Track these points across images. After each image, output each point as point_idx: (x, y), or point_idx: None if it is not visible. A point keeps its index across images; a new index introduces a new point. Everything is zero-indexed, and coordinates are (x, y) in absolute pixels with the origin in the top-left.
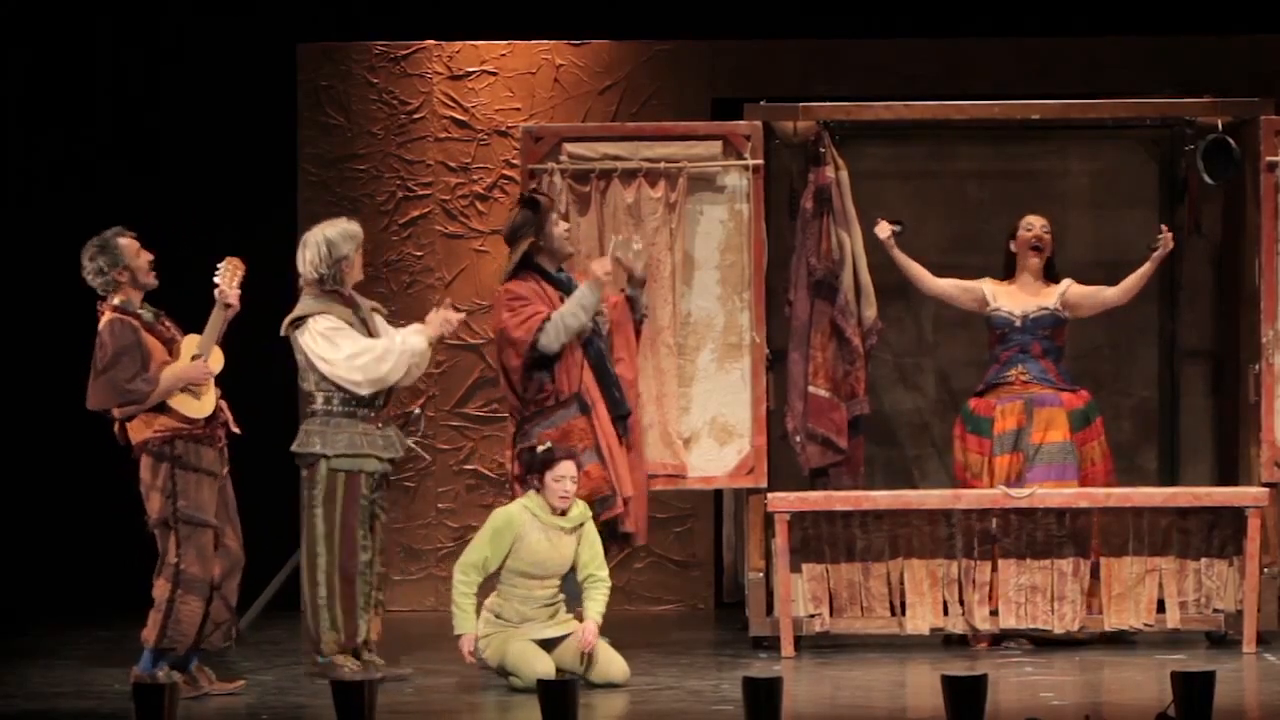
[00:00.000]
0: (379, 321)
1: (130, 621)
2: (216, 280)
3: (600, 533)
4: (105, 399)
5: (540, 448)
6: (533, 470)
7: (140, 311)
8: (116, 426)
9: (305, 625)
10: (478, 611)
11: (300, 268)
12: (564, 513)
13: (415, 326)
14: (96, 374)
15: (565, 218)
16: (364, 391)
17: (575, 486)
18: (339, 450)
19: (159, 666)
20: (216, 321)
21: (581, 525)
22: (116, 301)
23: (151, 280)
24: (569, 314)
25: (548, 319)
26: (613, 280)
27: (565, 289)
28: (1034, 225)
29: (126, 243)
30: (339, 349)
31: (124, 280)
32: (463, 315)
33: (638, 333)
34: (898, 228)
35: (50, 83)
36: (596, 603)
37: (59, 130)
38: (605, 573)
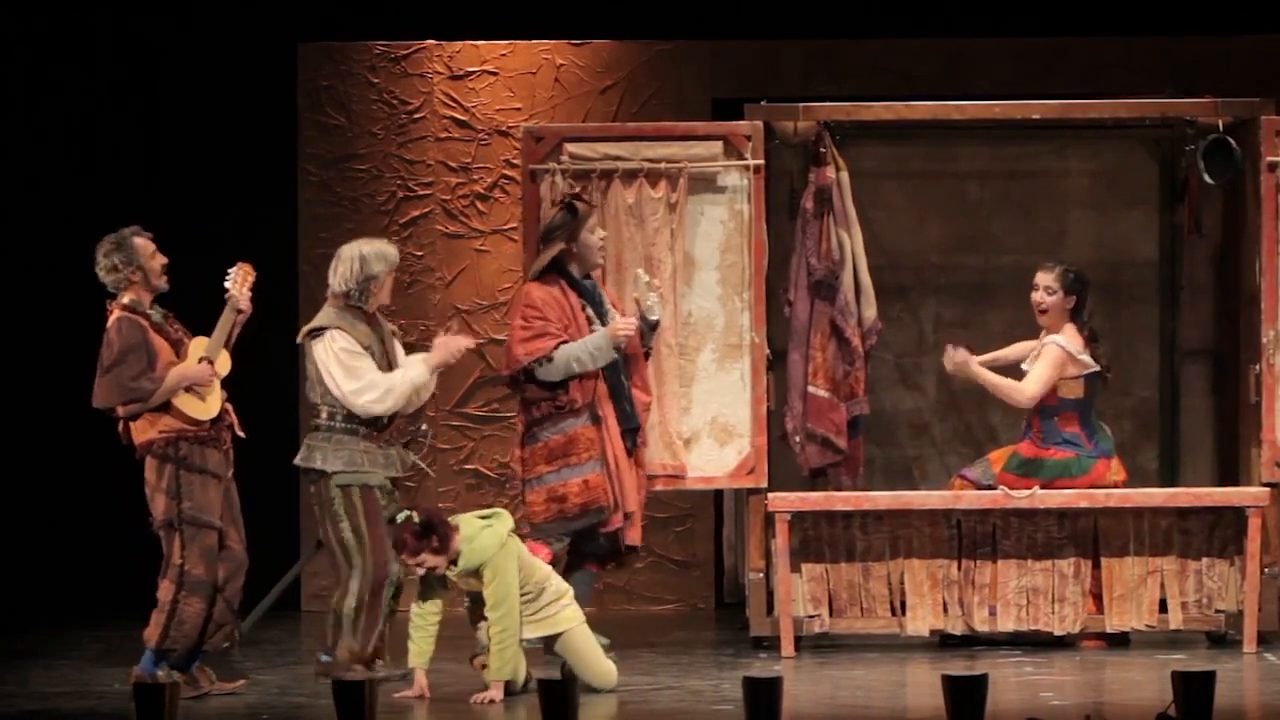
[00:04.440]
0: (397, 347)
1: (131, 622)
2: (227, 284)
3: (598, 538)
4: (109, 396)
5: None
6: None
7: (149, 312)
8: (121, 426)
9: (325, 626)
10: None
11: (330, 279)
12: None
13: (420, 356)
14: (102, 371)
15: (603, 224)
16: (364, 416)
17: (429, 569)
18: (338, 467)
19: (159, 667)
20: (225, 324)
21: (479, 568)
22: (126, 300)
23: (163, 283)
24: (576, 357)
25: (556, 348)
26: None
27: (589, 298)
28: (1038, 285)
29: (142, 243)
30: (349, 379)
31: (136, 280)
32: (472, 344)
33: (646, 355)
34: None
35: (50, 82)
36: (494, 655)
37: (59, 131)
38: (501, 613)
